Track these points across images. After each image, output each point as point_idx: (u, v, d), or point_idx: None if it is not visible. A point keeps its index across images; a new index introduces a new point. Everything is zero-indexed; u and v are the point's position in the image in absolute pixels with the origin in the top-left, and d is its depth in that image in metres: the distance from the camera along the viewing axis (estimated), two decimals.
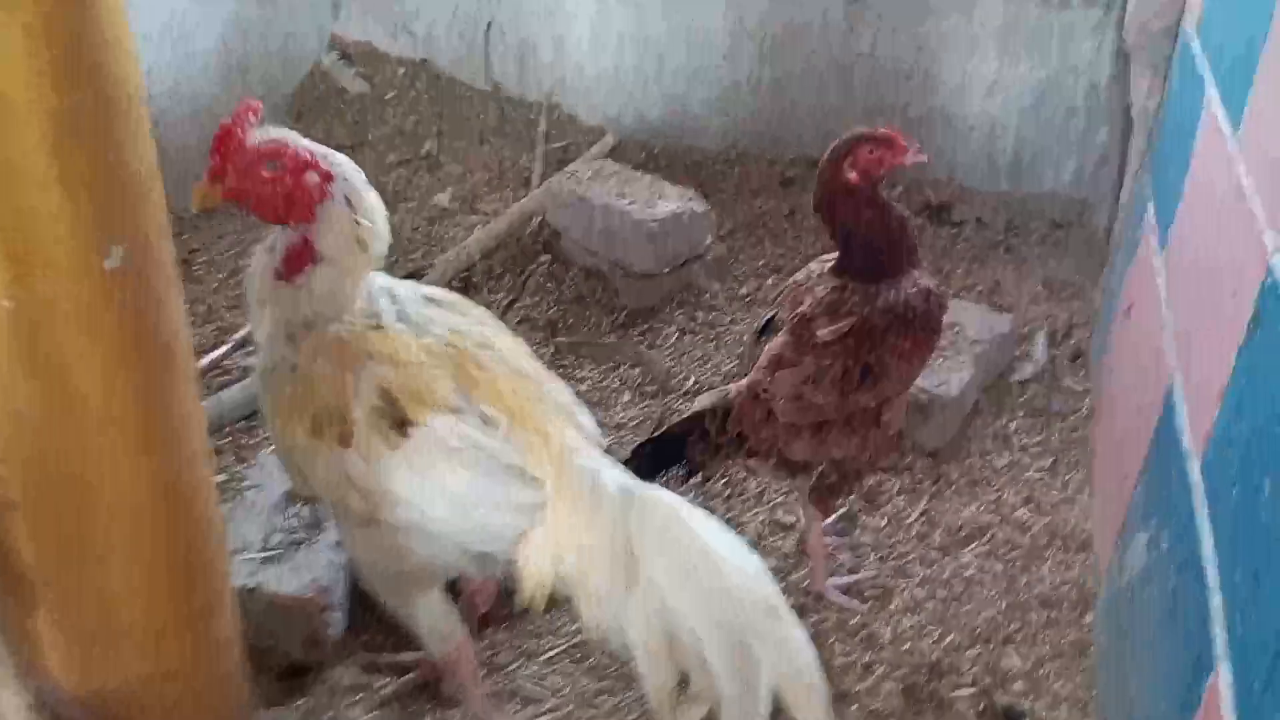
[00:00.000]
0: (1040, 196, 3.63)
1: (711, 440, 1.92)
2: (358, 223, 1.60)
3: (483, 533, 1.57)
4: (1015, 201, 3.61)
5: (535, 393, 1.65)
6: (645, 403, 2.66)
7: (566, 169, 3.37)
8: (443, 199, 3.66)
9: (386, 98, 4.34)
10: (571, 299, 3.11)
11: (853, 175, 1.88)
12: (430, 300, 1.71)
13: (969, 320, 2.74)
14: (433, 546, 1.60)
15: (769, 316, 2.01)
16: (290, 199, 1.57)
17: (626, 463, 1.73)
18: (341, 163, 1.61)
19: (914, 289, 1.90)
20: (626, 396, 2.66)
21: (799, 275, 2.03)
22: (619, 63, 4.19)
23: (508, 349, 1.70)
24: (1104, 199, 3.39)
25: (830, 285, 1.93)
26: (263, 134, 1.58)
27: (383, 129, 4.20)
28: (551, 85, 4.32)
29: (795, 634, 1.41)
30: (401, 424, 1.53)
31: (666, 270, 3.08)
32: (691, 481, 2.03)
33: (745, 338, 2.10)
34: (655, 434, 1.97)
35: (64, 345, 1.29)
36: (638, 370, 2.79)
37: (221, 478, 2.30)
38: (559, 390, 1.70)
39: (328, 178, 1.59)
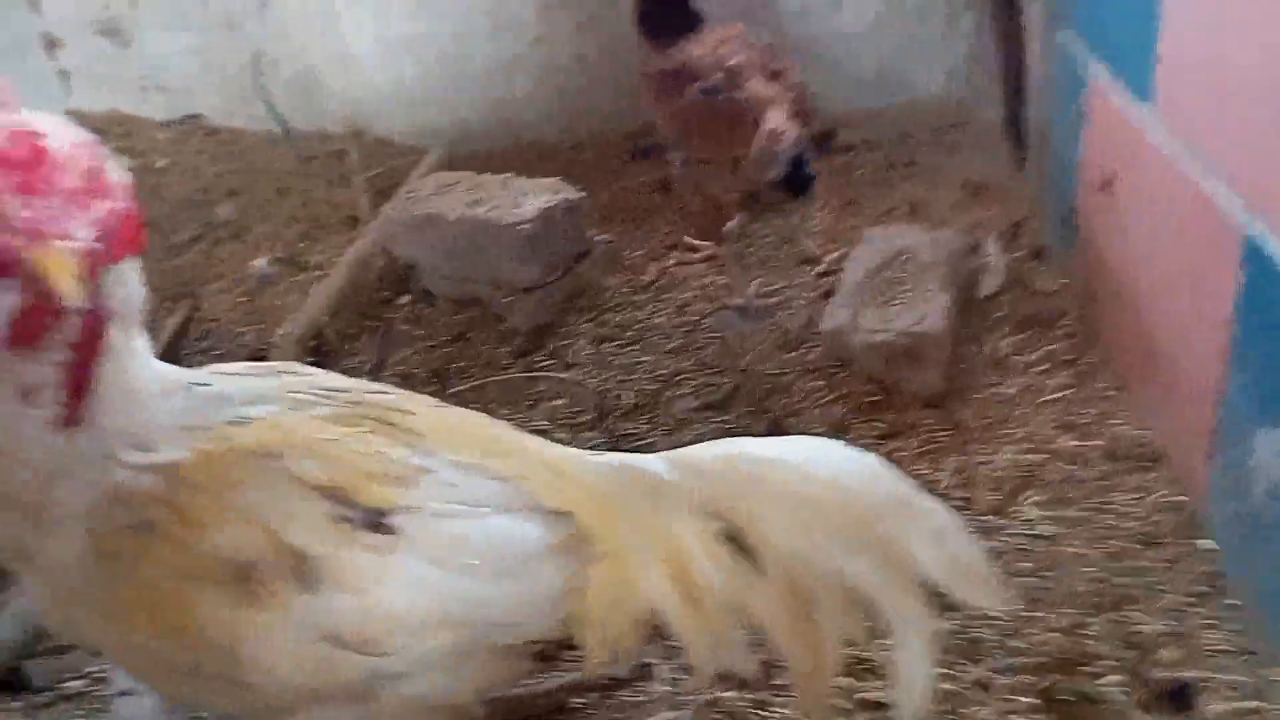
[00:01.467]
0: (916, 104, 3.34)
1: None
2: None
3: (524, 606, 1.13)
4: (894, 114, 3.30)
5: (478, 418, 1.26)
6: (586, 434, 2.16)
7: (401, 192, 2.83)
8: (260, 265, 3.05)
9: (158, 167, 3.67)
10: (451, 339, 2.57)
11: None
12: (232, 375, 1.19)
13: (916, 244, 2.37)
14: (456, 672, 1.11)
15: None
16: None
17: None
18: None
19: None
20: (562, 435, 2.16)
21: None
22: (422, 71, 3.68)
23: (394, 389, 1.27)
24: (986, 91, 3.11)
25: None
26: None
27: (162, 206, 3.53)
28: (349, 111, 3.76)
29: (940, 518, 1.14)
30: (377, 518, 1.05)
31: (554, 278, 2.59)
32: None
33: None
34: None
35: None
36: (561, 401, 2.30)
37: None
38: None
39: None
